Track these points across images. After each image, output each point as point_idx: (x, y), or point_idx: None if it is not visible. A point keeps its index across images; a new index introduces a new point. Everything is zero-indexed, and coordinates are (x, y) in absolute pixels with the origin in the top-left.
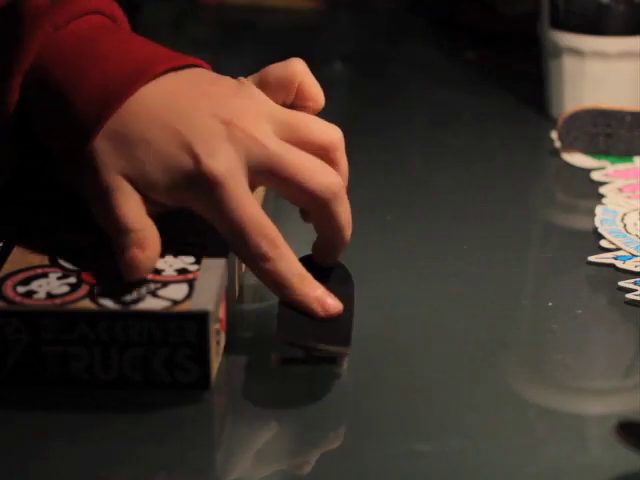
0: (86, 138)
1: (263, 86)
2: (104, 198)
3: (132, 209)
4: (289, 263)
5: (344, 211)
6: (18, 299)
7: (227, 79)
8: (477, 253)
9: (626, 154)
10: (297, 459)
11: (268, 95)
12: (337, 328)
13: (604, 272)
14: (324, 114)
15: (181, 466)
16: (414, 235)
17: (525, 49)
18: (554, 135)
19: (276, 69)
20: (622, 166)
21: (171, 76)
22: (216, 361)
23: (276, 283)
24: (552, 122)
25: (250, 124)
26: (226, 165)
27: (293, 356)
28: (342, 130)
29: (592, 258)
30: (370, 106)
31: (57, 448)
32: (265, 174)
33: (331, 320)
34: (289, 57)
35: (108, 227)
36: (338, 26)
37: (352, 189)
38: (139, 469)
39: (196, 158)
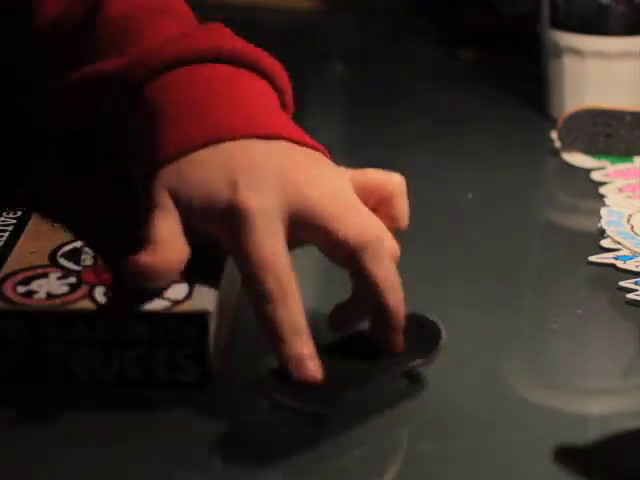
0: (159, 163)
1: (357, 180)
2: (147, 211)
3: (166, 225)
4: (289, 311)
5: (381, 268)
6: (18, 299)
7: (318, 157)
8: (477, 253)
9: (626, 154)
10: (297, 459)
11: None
12: (326, 388)
13: (605, 272)
14: (326, 113)
15: (181, 466)
16: (413, 235)
17: (525, 49)
18: (554, 135)
19: (377, 176)
20: (622, 166)
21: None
22: (216, 361)
23: (267, 328)
24: (552, 122)
25: (304, 178)
26: (262, 203)
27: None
28: (342, 130)
29: (593, 258)
30: (370, 106)
31: (57, 448)
32: (305, 225)
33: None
34: (289, 57)
35: (142, 238)
36: (338, 26)
37: None
38: (139, 468)
39: (236, 188)
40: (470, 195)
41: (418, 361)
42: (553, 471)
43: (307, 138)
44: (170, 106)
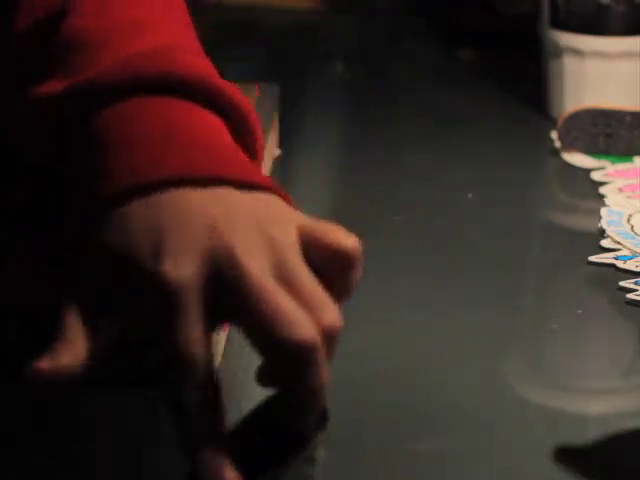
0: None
1: (308, 234)
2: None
3: (72, 317)
4: (203, 418)
5: (313, 376)
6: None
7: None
8: (477, 253)
9: (626, 154)
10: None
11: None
12: None
13: (605, 272)
14: (326, 113)
15: (181, 466)
16: (413, 235)
17: (525, 49)
18: (554, 135)
19: (332, 237)
20: (622, 166)
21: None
22: (216, 361)
23: (182, 435)
24: (552, 122)
25: (242, 244)
26: (186, 279)
27: None
28: (342, 130)
29: (593, 258)
30: (370, 106)
31: (57, 447)
32: (233, 305)
33: None
34: (289, 57)
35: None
36: (338, 26)
37: (350, 188)
38: (139, 469)
39: (158, 256)
40: (470, 195)
41: (320, 436)
42: (553, 471)
43: (256, 177)
44: (96, 148)
